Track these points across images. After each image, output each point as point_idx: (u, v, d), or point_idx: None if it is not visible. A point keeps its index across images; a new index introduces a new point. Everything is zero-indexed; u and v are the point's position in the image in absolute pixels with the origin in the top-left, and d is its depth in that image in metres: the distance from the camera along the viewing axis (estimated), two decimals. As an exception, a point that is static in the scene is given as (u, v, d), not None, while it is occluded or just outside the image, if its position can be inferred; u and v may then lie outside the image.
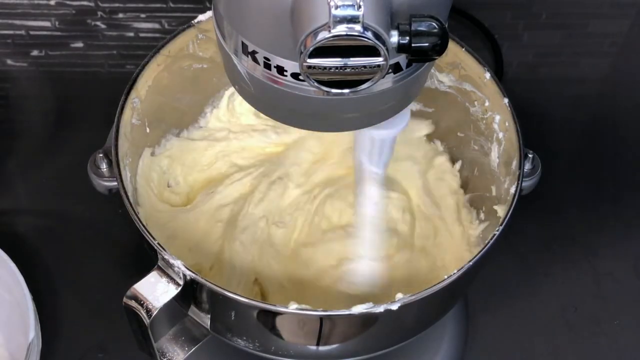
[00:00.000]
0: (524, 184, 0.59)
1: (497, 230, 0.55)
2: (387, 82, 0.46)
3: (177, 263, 0.52)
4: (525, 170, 0.59)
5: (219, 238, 0.66)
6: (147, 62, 0.63)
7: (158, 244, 0.53)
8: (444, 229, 0.68)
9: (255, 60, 0.45)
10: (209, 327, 0.58)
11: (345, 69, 0.41)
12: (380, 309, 0.51)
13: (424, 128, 0.73)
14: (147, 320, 0.53)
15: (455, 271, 0.53)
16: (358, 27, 0.39)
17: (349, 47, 0.40)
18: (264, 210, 0.67)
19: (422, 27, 0.41)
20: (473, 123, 0.68)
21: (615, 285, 0.78)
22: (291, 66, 0.44)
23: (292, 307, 0.51)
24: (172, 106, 0.70)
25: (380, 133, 0.56)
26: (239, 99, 0.71)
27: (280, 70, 0.45)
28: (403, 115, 0.55)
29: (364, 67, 0.41)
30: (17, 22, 0.94)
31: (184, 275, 0.53)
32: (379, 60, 0.41)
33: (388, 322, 0.55)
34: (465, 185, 0.71)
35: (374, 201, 0.63)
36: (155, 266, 0.54)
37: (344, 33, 0.39)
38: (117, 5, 0.94)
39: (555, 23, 0.98)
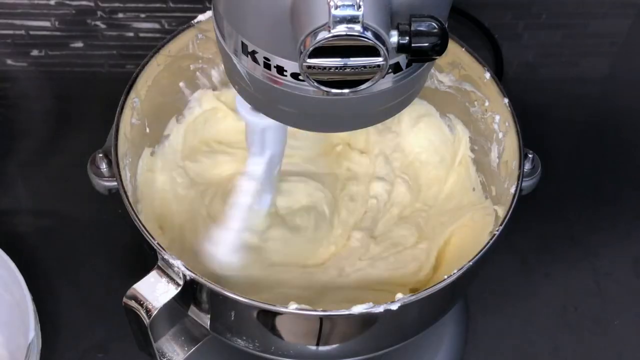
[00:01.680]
0: (524, 184, 0.59)
1: (497, 230, 0.55)
2: (387, 82, 0.45)
3: (177, 263, 0.52)
4: (525, 170, 0.59)
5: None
6: (147, 62, 0.63)
7: (158, 244, 0.53)
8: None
9: (255, 60, 0.45)
10: (208, 327, 0.58)
11: (345, 69, 0.41)
12: (380, 309, 0.51)
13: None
14: (147, 321, 0.53)
15: (455, 271, 0.53)
16: (358, 27, 0.39)
17: (349, 47, 0.40)
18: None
19: (422, 27, 0.41)
20: (473, 123, 0.68)
21: (615, 285, 0.78)
22: (291, 66, 0.44)
23: (292, 307, 0.51)
24: (172, 106, 0.70)
25: (262, 122, 0.56)
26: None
27: (280, 70, 0.45)
28: None
29: (364, 67, 0.41)
30: (17, 22, 0.94)
31: (184, 275, 0.53)
32: (378, 60, 0.41)
33: (388, 322, 0.55)
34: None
35: (247, 193, 0.62)
36: (155, 266, 0.54)
37: (344, 33, 0.39)
38: (117, 5, 0.94)
39: (555, 23, 0.98)
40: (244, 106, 0.55)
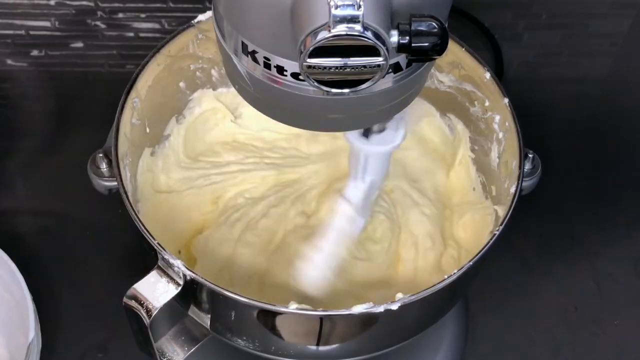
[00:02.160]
0: (524, 184, 0.59)
1: (497, 230, 0.55)
2: (387, 81, 0.46)
3: (177, 263, 0.52)
4: (525, 170, 0.59)
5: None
6: (147, 62, 0.63)
7: (158, 244, 0.53)
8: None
9: (255, 60, 0.45)
10: (209, 327, 0.58)
11: (345, 68, 0.41)
12: (380, 309, 0.51)
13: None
14: (147, 320, 0.53)
15: (455, 271, 0.53)
16: (358, 27, 0.39)
17: (349, 47, 0.40)
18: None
19: (422, 27, 0.41)
20: (473, 123, 0.68)
21: (615, 285, 0.78)
22: (291, 66, 0.44)
23: (292, 307, 0.51)
24: (172, 106, 0.70)
25: (366, 148, 0.57)
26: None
27: (280, 70, 0.45)
28: (396, 133, 0.56)
29: (364, 66, 0.41)
30: (17, 22, 0.94)
31: (184, 275, 0.53)
32: (379, 60, 0.41)
33: (388, 322, 0.55)
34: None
35: (345, 216, 0.62)
36: (155, 266, 0.54)
37: (344, 33, 0.39)
38: (117, 5, 0.94)
39: (555, 23, 0.98)
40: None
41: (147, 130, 0.66)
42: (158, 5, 0.95)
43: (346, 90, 0.43)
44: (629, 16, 0.99)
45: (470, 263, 0.53)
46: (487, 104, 0.65)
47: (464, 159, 0.70)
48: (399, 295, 0.52)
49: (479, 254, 0.54)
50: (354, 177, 0.61)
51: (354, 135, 0.57)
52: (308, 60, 0.40)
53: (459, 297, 0.65)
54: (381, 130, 0.57)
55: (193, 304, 0.56)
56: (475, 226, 0.66)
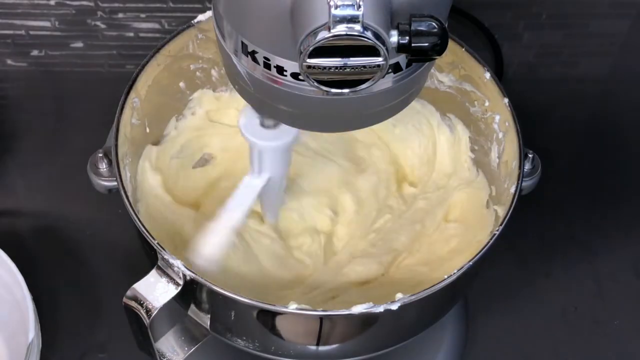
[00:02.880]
0: (524, 184, 0.59)
1: (497, 230, 0.55)
2: (386, 82, 0.46)
3: (177, 263, 0.52)
4: (525, 170, 0.59)
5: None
6: (147, 62, 0.63)
7: (158, 244, 0.53)
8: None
9: (255, 60, 0.45)
10: (208, 327, 0.58)
11: (345, 68, 0.41)
12: (380, 309, 0.51)
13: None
14: (147, 320, 0.53)
15: (455, 271, 0.53)
16: (358, 27, 0.39)
17: (349, 47, 0.40)
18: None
19: (422, 27, 0.40)
20: (473, 123, 0.68)
21: (615, 285, 0.78)
22: (291, 66, 0.44)
23: (292, 307, 0.51)
24: (172, 106, 0.70)
25: (260, 143, 0.56)
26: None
27: (280, 70, 0.45)
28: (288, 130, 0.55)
29: (364, 67, 0.41)
30: (17, 22, 0.94)
31: (184, 275, 0.53)
32: (378, 60, 0.41)
33: (388, 322, 0.55)
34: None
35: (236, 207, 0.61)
36: (155, 266, 0.54)
37: (344, 33, 0.39)
38: (117, 5, 0.94)
39: (555, 23, 0.98)
40: (244, 124, 0.56)
41: (147, 130, 0.66)
42: (158, 5, 0.95)
43: (346, 90, 0.43)
44: (629, 16, 0.99)
45: (470, 263, 0.53)
46: (487, 104, 0.65)
47: (464, 159, 0.70)
48: (399, 295, 0.52)
49: (479, 254, 0.54)
50: (252, 172, 0.59)
51: (248, 129, 0.56)
52: (308, 60, 0.40)
53: (459, 297, 0.65)
54: (276, 125, 0.56)
55: (193, 304, 0.56)
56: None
